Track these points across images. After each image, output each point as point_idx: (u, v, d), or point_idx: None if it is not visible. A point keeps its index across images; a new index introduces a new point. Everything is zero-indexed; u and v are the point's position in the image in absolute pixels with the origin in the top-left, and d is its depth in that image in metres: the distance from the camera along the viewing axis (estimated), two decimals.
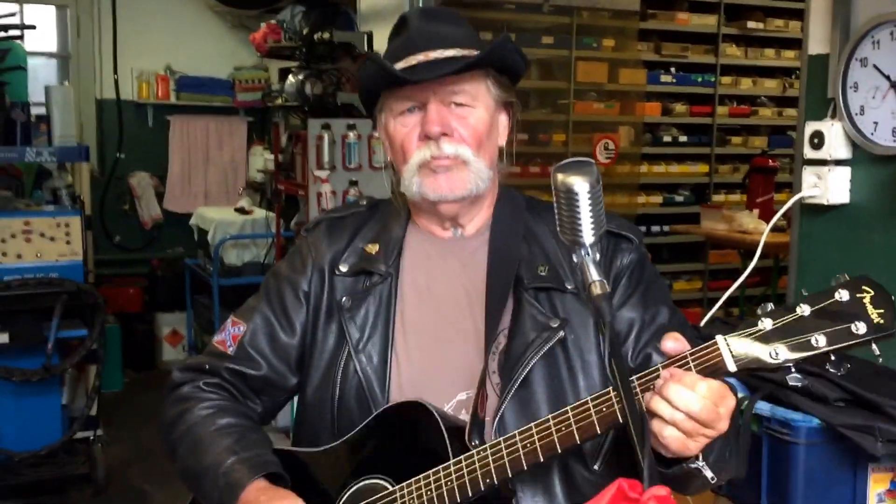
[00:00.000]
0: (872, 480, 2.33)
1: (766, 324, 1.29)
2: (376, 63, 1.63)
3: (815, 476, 2.33)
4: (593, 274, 1.27)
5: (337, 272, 1.72)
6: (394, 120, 1.68)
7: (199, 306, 6.99)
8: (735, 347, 1.30)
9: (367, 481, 1.56)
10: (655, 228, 7.17)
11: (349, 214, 1.83)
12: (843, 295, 1.26)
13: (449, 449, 1.47)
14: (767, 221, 5.46)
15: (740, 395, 2.57)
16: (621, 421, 1.31)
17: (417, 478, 1.49)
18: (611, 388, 1.35)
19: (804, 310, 1.27)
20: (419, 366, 1.64)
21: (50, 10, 7.45)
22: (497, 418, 1.56)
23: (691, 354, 1.32)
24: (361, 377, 1.63)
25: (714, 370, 1.31)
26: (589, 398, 1.38)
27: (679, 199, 7.42)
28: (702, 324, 3.03)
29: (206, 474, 1.59)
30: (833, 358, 1.26)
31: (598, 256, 1.28)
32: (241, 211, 6.89)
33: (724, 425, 1.33)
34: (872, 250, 2.68)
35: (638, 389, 1.34)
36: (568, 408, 1.39)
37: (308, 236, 1.82)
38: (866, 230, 2.70)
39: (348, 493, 1.57)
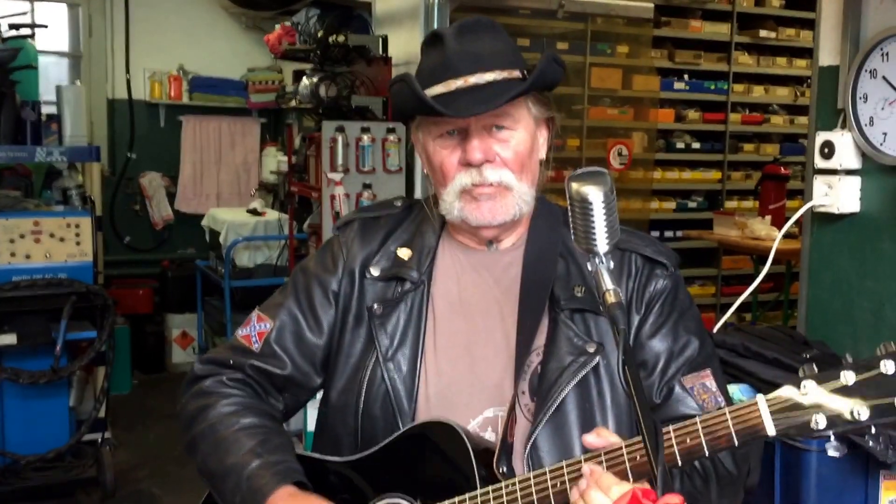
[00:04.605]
0: (884, 487, 2.36)
1: (849, 377, 1.19)
2: (412, 90, 1.55)
3: (827, 483, 2.36)
4: (607, 282, 1.26)
5: (367, 275, 1.69)
6: (432, 141, 1.62)
7: (209, 308, 7.00)
8: (812, 398, 1.20)
9: (388, 499, 1.52)
10: (668, 234, 7.18)
11: (383, 215, 1.79)
12: None
13: (476, 475, 1.43)
14: (779, 228, 5.47)
15: (749, 399, 2.56)
16: (655, 472, 1.19)
17: (443, 503, 1.45)
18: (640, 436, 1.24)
19: (888, 367, 1.17)
20: (448, 378, 1.61)
21: (62, 9, 7.45)
22: (530, 445, 1.52)
23: (731, 412, 1.24)
24: (389, 386, 1.60)
25: (753, 432, 1.23)
26: (623, 444, 1.31)
27: (692, 205, 7.44)
28: (715, 329, 3.05)
29: (227, 475, 1.56)
30: None
31: (612, 265, 1.27)
32: (254, 212, 6.91)
33: None
34: (882, 258, 2.72)
35: (675, 441, 1.27)
36: (602, 450, 1.33)
37: (340, 234, 1.78)
38: (876, 239, 2.74)
39: None
